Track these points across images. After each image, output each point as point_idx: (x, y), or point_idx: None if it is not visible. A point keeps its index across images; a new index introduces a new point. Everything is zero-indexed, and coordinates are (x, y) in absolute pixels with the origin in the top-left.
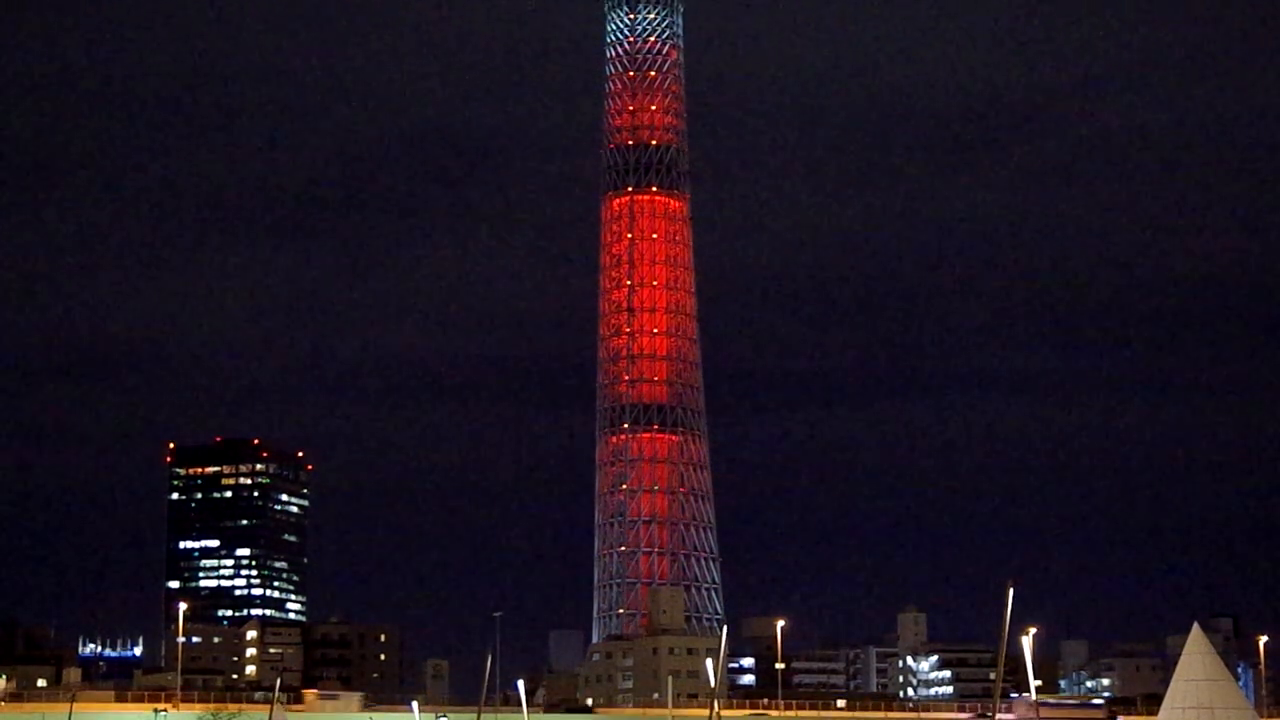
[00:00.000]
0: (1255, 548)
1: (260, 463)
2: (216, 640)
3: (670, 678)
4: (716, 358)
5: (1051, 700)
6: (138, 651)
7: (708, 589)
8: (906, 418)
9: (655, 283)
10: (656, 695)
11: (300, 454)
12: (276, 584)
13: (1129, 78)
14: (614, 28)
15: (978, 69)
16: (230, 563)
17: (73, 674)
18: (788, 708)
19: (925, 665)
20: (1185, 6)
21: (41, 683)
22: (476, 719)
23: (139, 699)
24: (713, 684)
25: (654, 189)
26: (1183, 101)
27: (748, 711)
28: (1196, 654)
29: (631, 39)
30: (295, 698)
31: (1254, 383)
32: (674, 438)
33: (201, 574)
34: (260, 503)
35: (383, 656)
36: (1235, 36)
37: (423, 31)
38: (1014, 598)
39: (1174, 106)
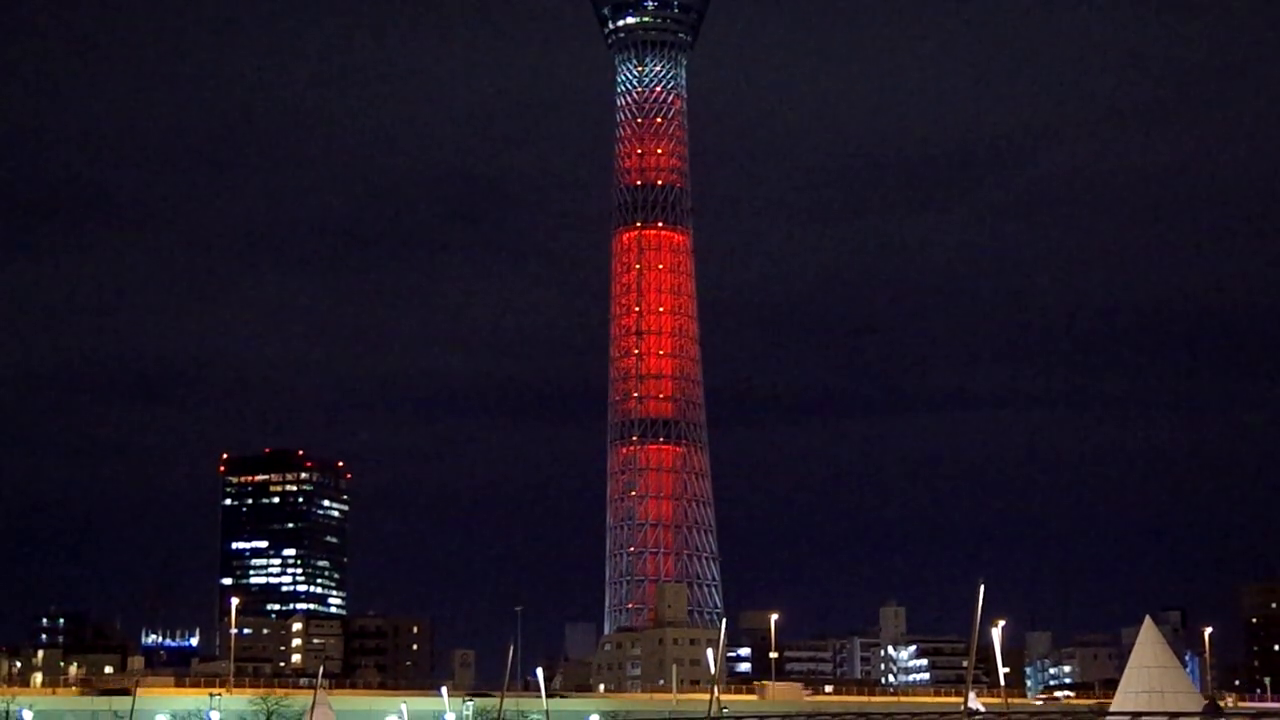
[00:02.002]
0: (1200, 548)
1: (304, 472)
2: (265, 632)
3: (675, 666)
4: (716, 376)
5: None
6: (194, 642)
7: (708, 585)
8: (886, 431)
9: (661, 309)
10: (662, 681)
11: (340, 464)
12: (319, 581)
13: (1080, 124)
14: (623, 79)
15: (944, 118)
16: (277, 562)
17: (136, 662)
18: None
19: (904, 654)
20: (1133, 60)
21: (108, 670)
22: (500, 703)
23: (196, 684)
24: (713, 671)
25: (660, 225)
26: (1131, 146)
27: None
28: (1148, 643)
29: (639, 89)
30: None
31: (1196, 400)
32: (678, 449)
33: (252, 572)
34: (304, 508)
35: (415, 646)
36: (1182, 87)
37: (448, 84)
38: (983, 594)
39: (1122, 151)
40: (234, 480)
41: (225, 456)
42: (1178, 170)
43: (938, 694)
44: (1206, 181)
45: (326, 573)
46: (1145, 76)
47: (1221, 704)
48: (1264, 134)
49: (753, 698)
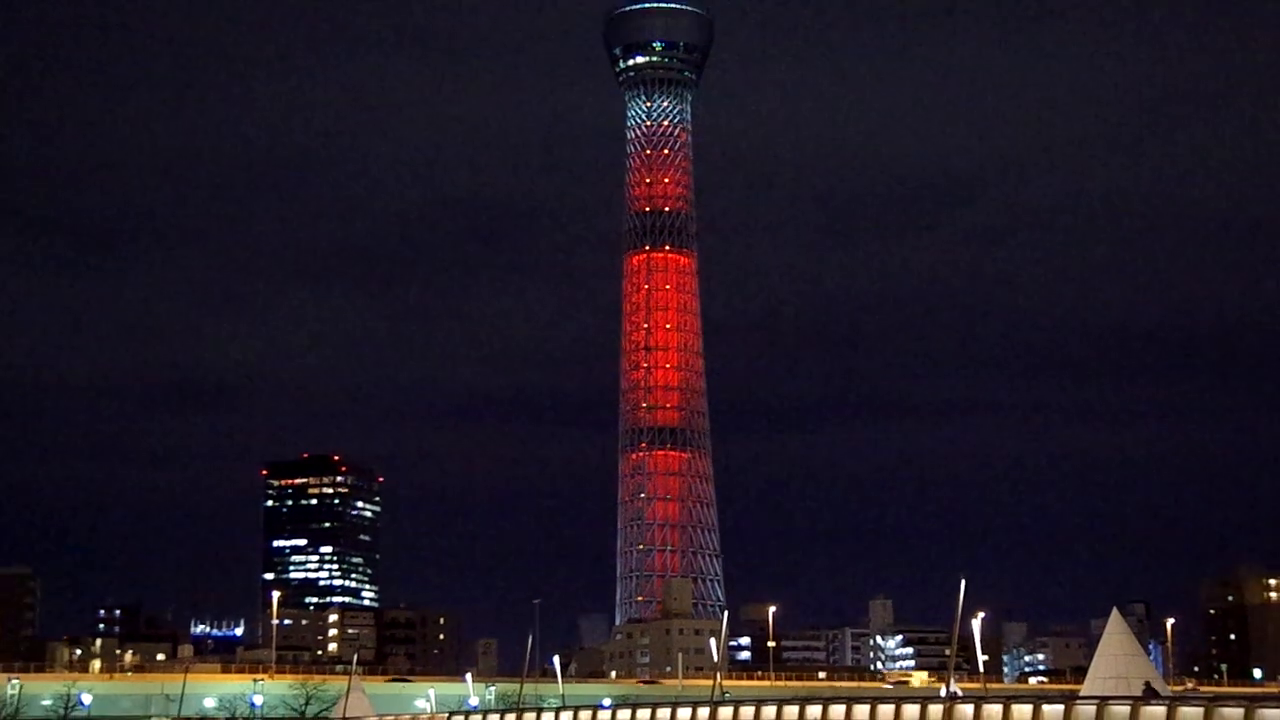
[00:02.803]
0: (1163, 546)
1: (340, 475)
2: (304, 623)
3: (680, 654)
4: (719, 387)
5: None
6: (239, 631)
7: (712, 580)
8: (875, 438)
9: (668, 325)
10: (669, 669)
11: (373, 468)
12: (353, 576)
13: (1054, 154)
14: (633, 113)
15: (927, 149)
16: (315, 558)
17: (186, 650)
18: (778, 679)
19: (892, 643)
20: (1105, 94)
21: (160, 657)
22: (519, 689)
23: (240, 670)
24: (716, 660)
25: (667, 248)
26: (1102, 174)
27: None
28: (1115, 633)
29: (648, 123)
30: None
31: (1160, 410)
32: (684, 454)
33: (291, 568)
34: (340, 509)
35: (441, 636)
36: (1151, 118)
37: (472, 117)
38: (965, 589)
39: (1094, 178)
40: (275, 483)
41: (267, 462)
42: (1146, 197)
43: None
44: (1173, 207)
45: (360, 568)
46: (1116, 109)
47: (1182, 689)
48: (1228, 162)
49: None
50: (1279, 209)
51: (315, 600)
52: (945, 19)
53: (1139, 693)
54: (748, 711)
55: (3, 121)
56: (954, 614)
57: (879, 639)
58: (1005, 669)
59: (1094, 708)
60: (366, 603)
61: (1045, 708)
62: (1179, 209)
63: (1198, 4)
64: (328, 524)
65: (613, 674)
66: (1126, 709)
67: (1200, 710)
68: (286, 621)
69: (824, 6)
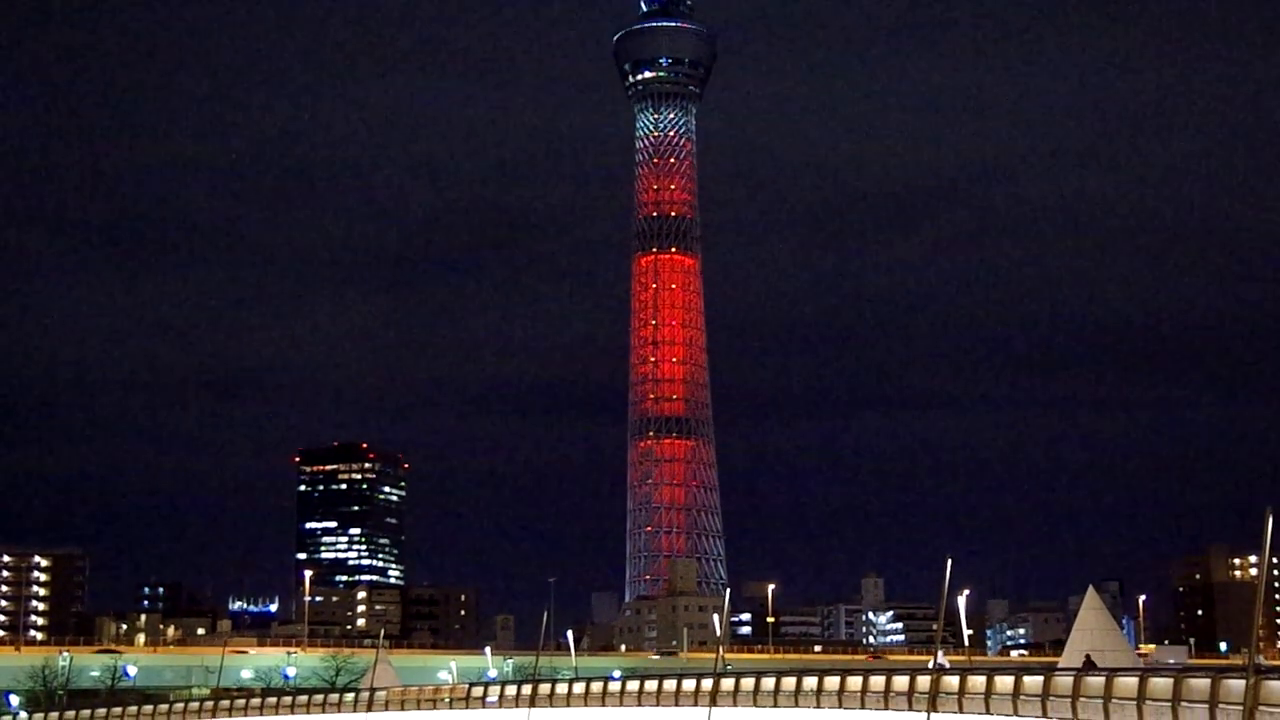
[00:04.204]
0: (1136, 528)
1: (368, 462)
2: (334, 600)
3: (685, 629)
4: (721, 380)
5: None
6: (273, 607)
7: (715, 560)
8: (867, 427)
9: (674, 323)
10: (675, 643)
11: (399, 455)
12: (380, 556)
13: (1029, 163)
14: (642, 125)
15: (911, 157)
16: (345, 540)
17: (224, 624)
18: (777, 652)
19: (882, 619)
20: (1076, 106)
21: (200, 631)
22: (535, 661)
23: (275, 644)
24: (718, 634)
25: (673, 250)
26: (1073, 181)
27: (745, 655)
28: (1091, 609)
29: (655, 134)
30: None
31: (1132, 401)
32: (688, 442)
33: (322, 548)
34: (368, 493)
35: (463, 612)
36: (1118, 130)
37: (491, 128)
38: (951, 569)
39: (1066, 185)
40: (307, 470)
41: (300, 449)
42: (1112, 204)
43: (911, 653)
44: (1136, 213)
45: (387, 549)
46: (1086, 120)
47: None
48: (1188, 173)
49: (763, 656)
50: (1234, 217)
51: (345, 579)
52: (927, 39)
53: (1112, 664)
54: (748, 683)
55: (58, 135)
56: (941, 591)
57: (871, 615)
58: (989, 643)
59: (1071, 679)
60: (392, 581)
61: (1026, 679)
62: (1142, 216)
63: (1162, 27)
64: (356, 507)
65: (622, 648)
66: (1101, 680)
67: (1170, 681)
68: (318, 599)
69: (816, 28)
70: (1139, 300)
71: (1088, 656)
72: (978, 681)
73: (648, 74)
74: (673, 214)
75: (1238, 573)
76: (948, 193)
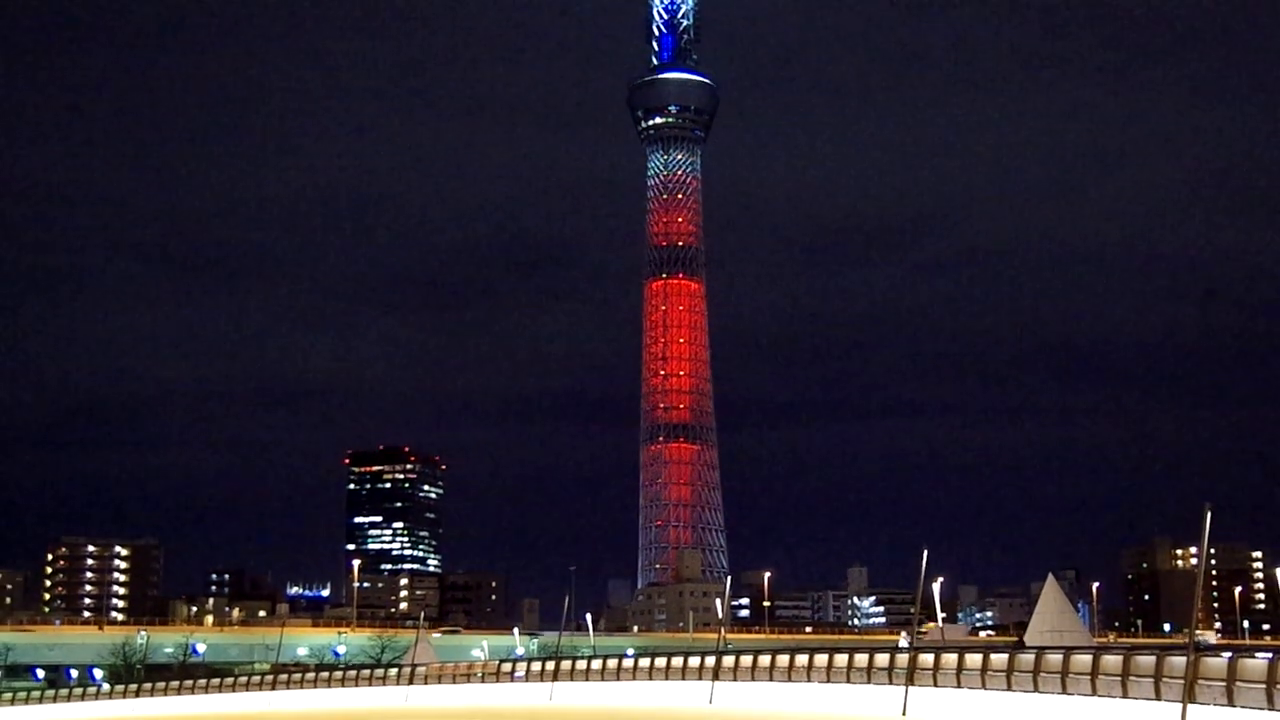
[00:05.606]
0: (1091, 520)
1: (410, 464)
2: (380, 586)
3: (691, 612)
4: (723, 390)
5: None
6: (325, 593)
7: (717, 551)
8: (854, 432)
9: (681, 340)
10: (682, 624)
11: (438, 457)
12: (420, 547)
13: (997, 198)
14: (653, 164)
15: (892, 192)
16: (389, 533)
17: (283, 607)
18: (772, 633)
19: (866, 603)
20: (1043, 145)
21: (261, 613)
22: (558, 640)
23: (327, 625)
24: (720, 617)
25: (680, 275)
26: (1038, 216)
27: (744, 636)
28: (1050, 594)
29: (665, 173)
30: (433, 625)
31: (1087, 410)
32: (694, 447)
33: (369, 540)
34: (410, 491)
35: (494, 597)
36: (1079, 162)
37: (515, 167)
38: (926, 558)
39: (1031, 219)
40: (355, 470)
41: (349, 452)
42: (1069, 231)
43: (891, 633)
44: (1092, 241)
45: (426, 540)
46: (1046, 158)
47: (1104, 641)
48: (1138, 203)
49: (760, 636)
50: (1175, 243)
51: (389, 567)
52: (904, 88)
53: (1070, 643)
54: (747, 660)
55: (134, 173)
56: (917, 578)
57: (855, 599)
58: (960, 623)
59: (1033, 656)
60: (431, 569)
61: (993, 656)
62: (1095, 242)
63: (1112, 77)
64: (399, 504)
65: (635, 628)
66: (1060, 657)
67: (1120, 658)
68: (365, 585)
69: (807, 78)
70: (1094, 317)
71: (1019, 638)
72: (950, 659)
73: (658, 119)
74: (680, 243)
75: (1180, 562)
76: (924, 223)
